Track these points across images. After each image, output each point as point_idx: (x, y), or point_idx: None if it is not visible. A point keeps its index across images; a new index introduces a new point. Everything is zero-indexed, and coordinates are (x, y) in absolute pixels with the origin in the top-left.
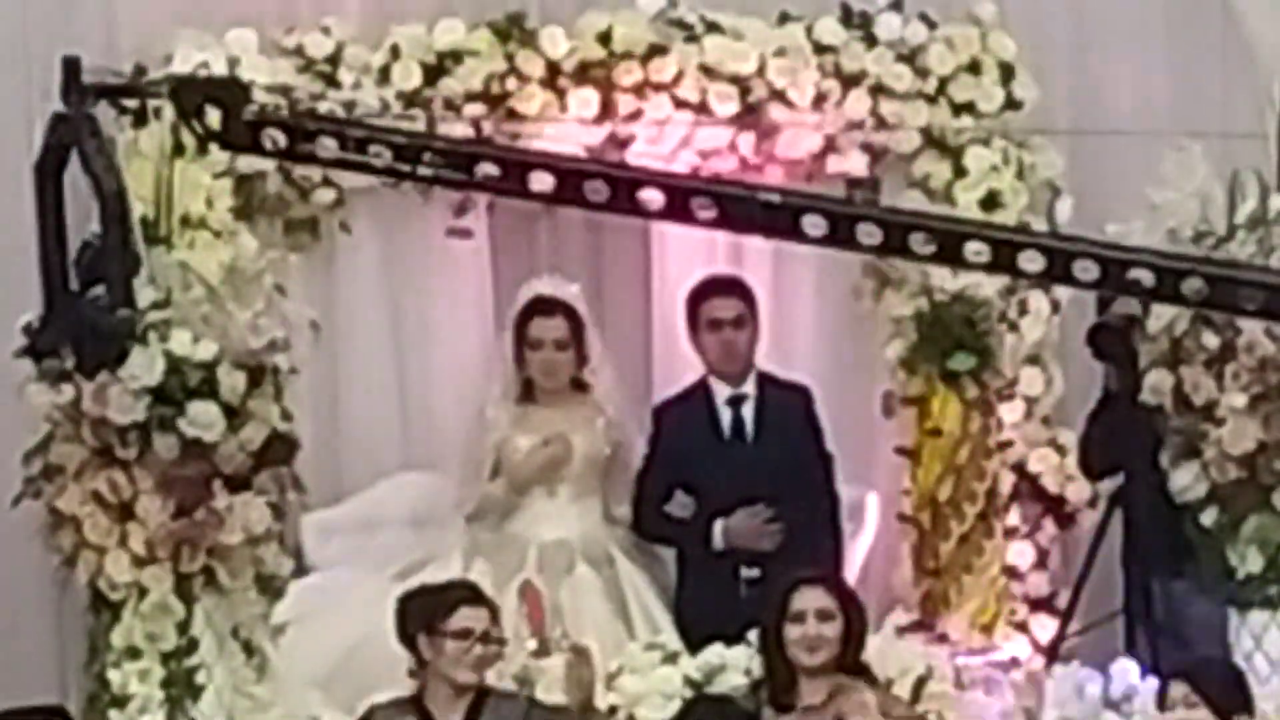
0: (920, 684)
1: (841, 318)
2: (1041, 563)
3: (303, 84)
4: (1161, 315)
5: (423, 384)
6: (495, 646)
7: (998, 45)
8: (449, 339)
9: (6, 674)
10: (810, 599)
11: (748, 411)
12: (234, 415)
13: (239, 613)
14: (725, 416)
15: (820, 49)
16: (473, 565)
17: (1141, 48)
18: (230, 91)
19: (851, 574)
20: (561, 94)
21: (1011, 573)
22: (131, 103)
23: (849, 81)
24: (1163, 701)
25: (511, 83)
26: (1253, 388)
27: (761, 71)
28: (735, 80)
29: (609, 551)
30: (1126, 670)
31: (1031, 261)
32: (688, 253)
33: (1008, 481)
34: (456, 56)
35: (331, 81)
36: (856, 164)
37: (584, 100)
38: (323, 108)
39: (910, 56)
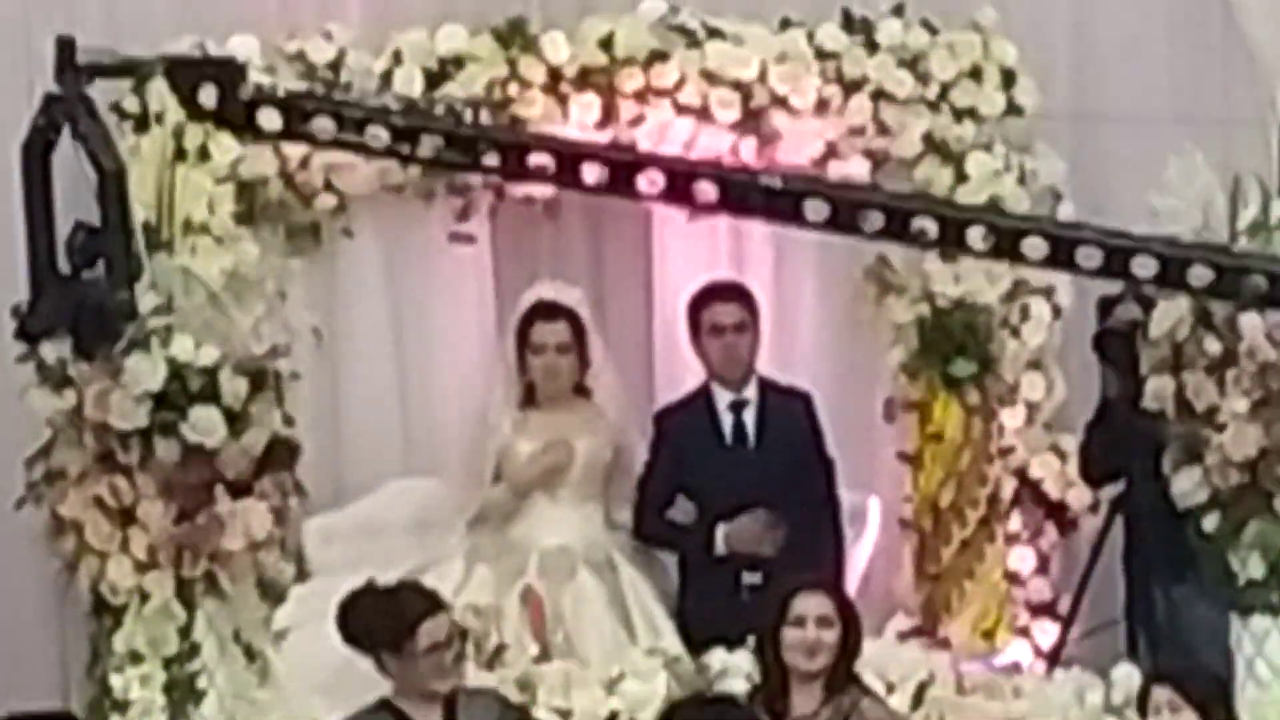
0: (922, 689)
1: (843, 323)
2: (1043, 568)
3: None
4: (1163, 321)
5: (424, 389)
6: (460, 645)
7: (999, 51)
8: (451, 344)
9: (9, 679)
10: (811, 605)
11: (749, 417)
12: (236, 420)
13: (241, 618)
14: (727, 422)
15: (822, 55)
16: (474, 570)
17: (1142, 55)
18: (226, 70)
19: (853, 579)
20: (563, 99)
21: (1013, 578)
22: (133, 108)
23: (850, 87)
24: (1144, 705)
25: (513, 88)
26: (1254, 393)
27: (763, 77)
28: (737, 86)
29: (611, 556)
30: (1128, 675)
31: (1035, 249)
32: (689, 258)
33: (1009, 487)
34: (458, 62)
35: (333, 88)
36: (858, 169)
37: (585, 106)
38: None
39: (912, 62)
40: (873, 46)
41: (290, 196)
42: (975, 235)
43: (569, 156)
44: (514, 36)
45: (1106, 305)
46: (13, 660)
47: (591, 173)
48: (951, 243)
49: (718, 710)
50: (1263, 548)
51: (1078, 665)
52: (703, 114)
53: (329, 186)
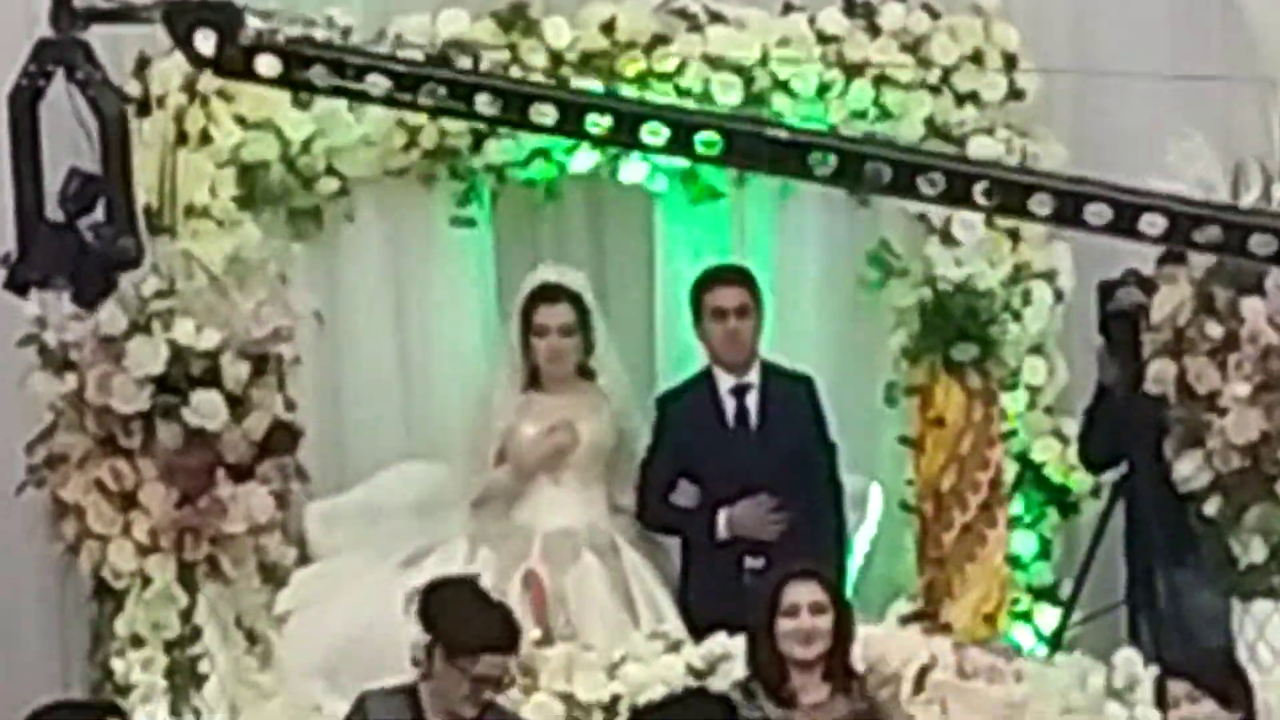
0: (924, 673)
1: (845, 308)
2: (1044, 552)
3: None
4: (1165, 305)
5: (426, 373)
6: (505, 687)
7: (1001, 35)
8: (453, 327)
9: (10, 663)
10: (803, 593)
11: (752, 401)
12: (237, 404)
13: (242, 601)
14: (729, 406)
15: (823, 39)
16: (477, 553)
17: (1143, 37)
18: (225, 15)
19: (855, 563)
20: (564, 84)
21: (1014, 562)
22: (136, 92)
23: (852, 71)
24: (1162, 699)
25: (515, 72)
26: (1256, 377)
27: (764, 61)
28: (738, 70)
29: (614, 540)
30: (1129, 660)
31: (1041, 205)
32: (691, 242)
33: (1011, 471)
34: (460, 46)
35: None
36: None
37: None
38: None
39: (913, 46)
40: (874, 30)
41: (292, 180)
42: (979, 190)
43: (572, 106)
44: (516, 20)
45: (1107, 289)
46: (14, 644)
47: (595, 123)
48: (953, 198)
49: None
50: (1264, 532)
51: (1079, 649)
52: (704, 98)
53: (330, 170)
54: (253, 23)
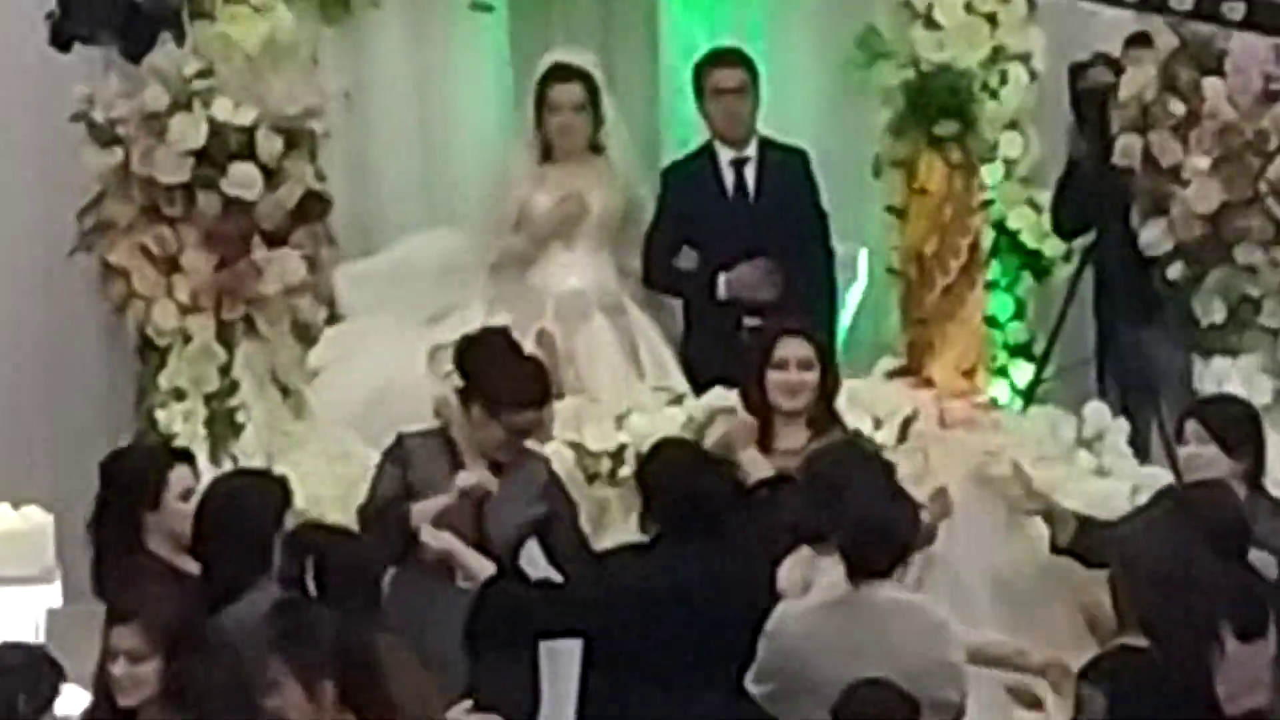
0: (907, 424)
1: (836, 87)
2: (1019, 312)
3: None
4: (1132, 84)
5: (447, 146)
6: (538, 436)
7: None
8: (471, 105)
9: (64, 414)
10: (792, 348)
11: (750, 173)
12: (272, 176)
13: (277, 357)
14: (729, 177)
15: None
16: (494, 314)
17: None
18: None
19: (844, 323)
20: None
21: (992, 322)
22: None
23: None
24: (1180, 435)
25: None
26: (1215, 151)
27: None
28: None
29: (621, 301)
30: (1098, 412)
31: None
32: (693, 26)
33: (988, 237)
34: None
35: None
36: None
37: None
38: None
39: None
40: None
41: None
42: None
43: None
44: None
45: (1078, 70)
46: (67, 397)
47: None
48: None
49: (698, 456)
50: (1223, 294)
51: (1051, 402)
52: None
53: None
54: None
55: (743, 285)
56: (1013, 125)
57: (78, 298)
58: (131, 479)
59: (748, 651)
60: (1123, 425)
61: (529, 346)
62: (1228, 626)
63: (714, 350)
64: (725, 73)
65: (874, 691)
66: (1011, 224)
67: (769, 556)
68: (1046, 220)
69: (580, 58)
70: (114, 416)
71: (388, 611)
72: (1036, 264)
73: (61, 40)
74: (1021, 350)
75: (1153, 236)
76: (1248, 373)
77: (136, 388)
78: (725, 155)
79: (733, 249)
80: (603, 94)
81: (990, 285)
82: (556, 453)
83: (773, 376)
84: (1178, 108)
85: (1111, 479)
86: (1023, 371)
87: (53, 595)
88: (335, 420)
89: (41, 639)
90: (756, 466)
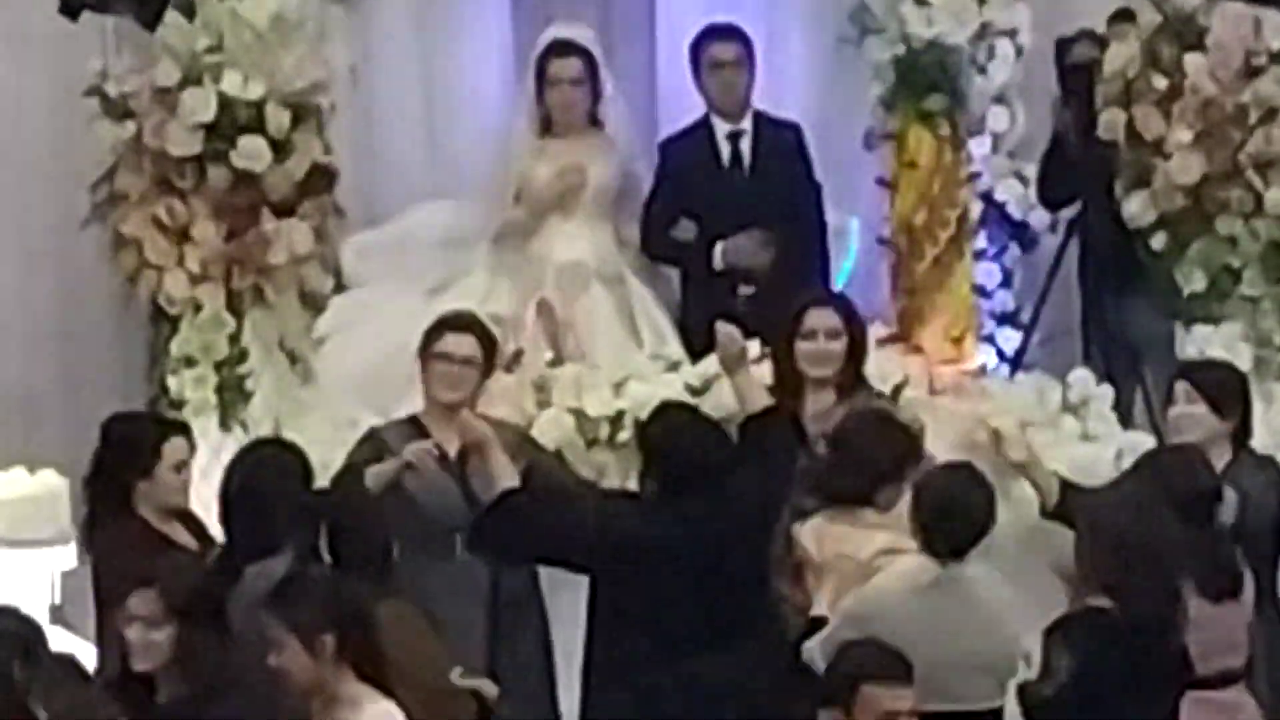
0: (898, 389)
1: (828, 62)
2: (1007, 282)
3: None
4: (1116, 59)
5: (450, 121)
6: (472, 370)
7: None
8: (474, 80)
9: (80, 381)
10: (820, 318)
11: (745, 145)
12: (280, 149)
13: (285, 325)
14: (725, 150)
15: None
16: (496, 283)
17: None
18: None
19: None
20: None
21: (980, 291)
22: None
23: None
24: (1170, 397)
25: None
26: (1196, 125)
27: None
28: None
29: (620, 271)
30: (1083, 378)
31: None
32: (690, 2)
33: (976, 209)
34: None
35: None
36: None
37: None
38: None
39: None
40: None
41: None
42: None
43: None
44: None
45: (1063, 45)
46: (82, 364)
47: None
48: None
49: (697, 419)
50: (1204, 264)
51: (1038, 369)
52: None
53: None
54: None
55: (738, 255)
56: (1000, 100)
57: (91, 267)
58: (129, 445)
59: (748, 611)
60: (1107, 391)
61: (530, 315)
62: (1192, 588)
63: (710, 318)
64: (722, 46)
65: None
66: (999, 196)
67: (769, 502)
68: (1033, 192)
69: (579, 33)
70: (127, 383)
71: (399, 576)
72: (1023, 235)
73: (70, 9)
74: (1008, 318)
75: (1136, 208)
76: (1228, 340)
77: (148, 355)
78: (721, 128)
79: (728, 220)
80: (601, 69)
81: (978, 255)
82: (556, 419)
83: (801, 346)
84: (1160, 83)
85: (1096, 443)
86: (1010, 339)
87: (68, 557)
88: (341, 387)
89: (56, 600)
90: (753, 393)
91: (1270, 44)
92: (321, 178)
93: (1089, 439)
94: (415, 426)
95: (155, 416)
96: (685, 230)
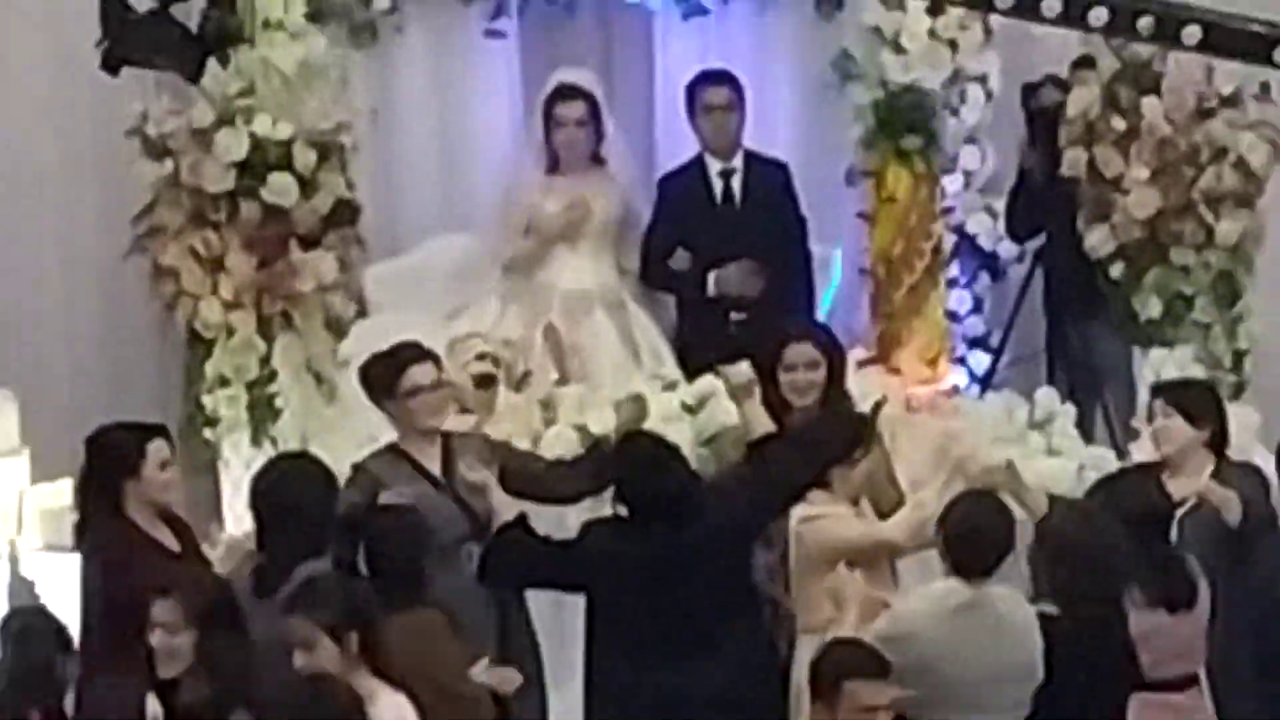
0: (876, 408)
1: (813, 105)
2: (978, 308)
3: None
4: (1078, 102)
5: (464, 159)
6: (446, 390)
7: None
8: (485, 121)
9: (121, 399)
10: (798, 353)
11: (736, 182)
12: (306, 185)
13: (311, 349)
14: (718, 186)
15: None
16: (507, 310)
17: None
18: None
19: (820, 317)
20: None
21: (952, 316)
22: None
23: None
24: (1150, 414)
25: None
26: (1153, 163)
27: None
28: None
29: (621, 298)
30: (1048, 397)
31: (1050, 9)
32: (685, 50)
33: (949, 240)
34: None
35: None
36: None
37: None
38: None
39: None
40: None
41: None
42: None
43: None
44: None
45: (1029, 90)
46: (124, 384)
47: None
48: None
49: (659, 449)
50: (1160, 292)
51: (1007, 389)
52: None
53: None
54: None
55: (730, 283)
56: (971, 140)
57: (132, 295)
58: (114, 448)
59: (730, 622)
60: (1070, 410)
61: (537, 339)
62: (1140, 598)
63: (704, 341)
64: (714, 91)
65: (844, 648)
66: (970, 228)
67: (754, 519)
68: (1001, 225)
69: (583, 78)
70: (165, 402)
71: (431, 588)
72: (993, 265)
73: (111, 66)
74: (979, 342)
75: (1096, 240)
76: (1182, 363)
77: (185, 376)
78: (714, 167)
79: (721, 251)
80: (603, 111)
81: (951, 283)
82: (561, 434)
83: (783, 378)
84: (1119, 124)
85: (1060, 458)
86: (980, 361)
87: None
88: (363, 405)
89: None
90: (759, 420)
91: (1221, 88)
92: (345, 211)
93: (1054, 454)
94: (398, 454)
95: (135, 424)
96: (681, 260)
